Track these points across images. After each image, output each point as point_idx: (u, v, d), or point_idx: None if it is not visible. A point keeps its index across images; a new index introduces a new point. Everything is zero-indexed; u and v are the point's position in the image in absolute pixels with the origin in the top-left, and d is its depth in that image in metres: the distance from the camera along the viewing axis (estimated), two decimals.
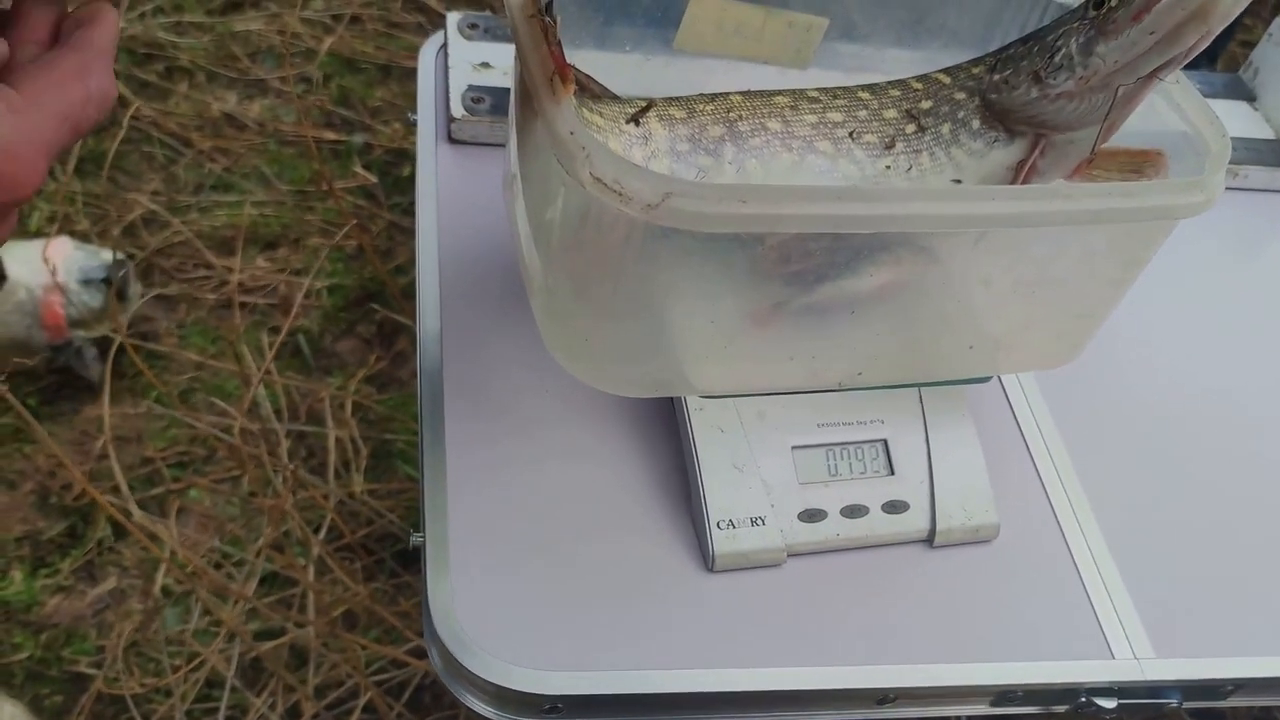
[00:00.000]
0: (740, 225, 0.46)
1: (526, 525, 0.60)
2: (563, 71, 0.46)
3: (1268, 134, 0.92)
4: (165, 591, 1.28)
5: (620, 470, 0.63)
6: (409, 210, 1.64)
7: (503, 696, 0.55)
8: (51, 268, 1.35)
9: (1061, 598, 0.63)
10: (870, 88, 0.58)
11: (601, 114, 0.54)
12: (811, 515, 0.61)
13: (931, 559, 0.63)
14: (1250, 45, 0.99)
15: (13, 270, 1.35)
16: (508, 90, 0.77)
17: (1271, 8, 1.82)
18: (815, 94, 0.57)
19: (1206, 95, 0.57)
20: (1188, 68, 0.53)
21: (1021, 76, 0.54)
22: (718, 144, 0.54)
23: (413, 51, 1.76)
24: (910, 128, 0.56)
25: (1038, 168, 0.55)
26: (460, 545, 0.59)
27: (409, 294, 1.26)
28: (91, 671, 1.22)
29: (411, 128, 0.81)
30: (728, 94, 0.56)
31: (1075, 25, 0.51)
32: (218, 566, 1.29)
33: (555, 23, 0.48)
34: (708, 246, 0.49)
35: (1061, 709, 0.61)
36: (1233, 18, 0.46)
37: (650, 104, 0.55)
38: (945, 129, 0.56)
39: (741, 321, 0.54)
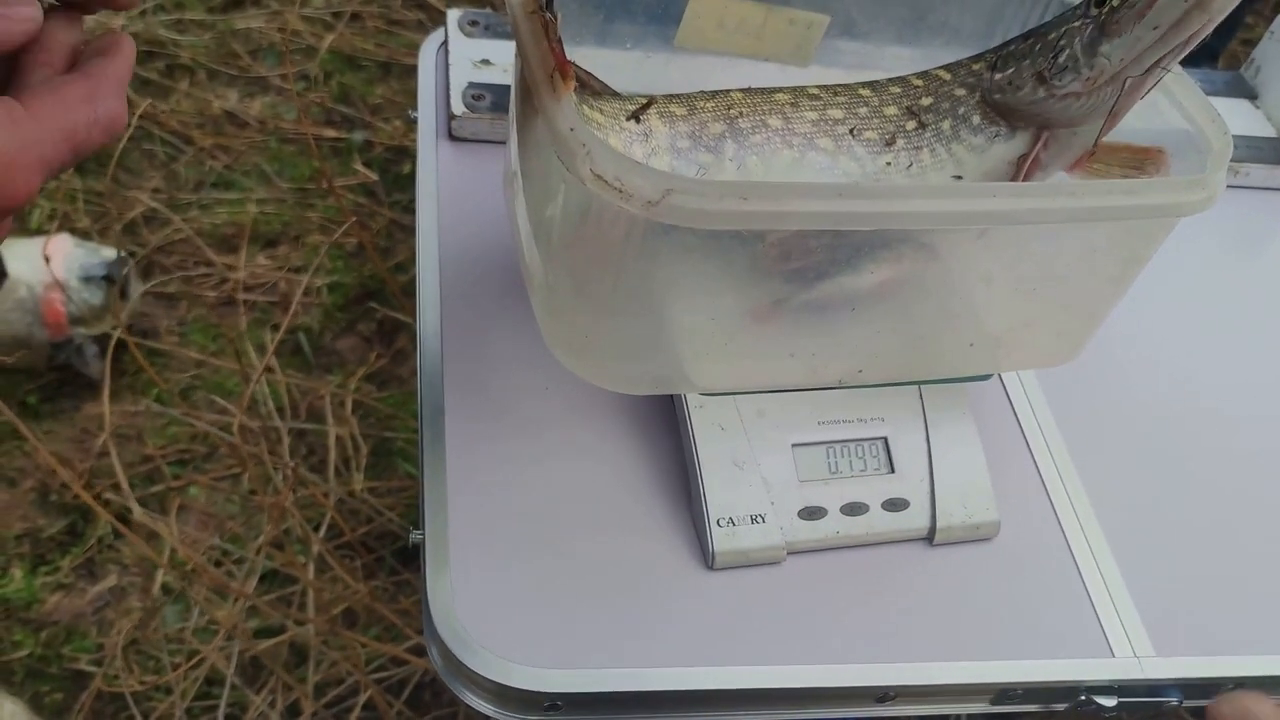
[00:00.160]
0: (741, 222, 0.46)
1: (526, 523, 0.60)
2: (563, 68, 0.46)
3: (1269, 132, 0.92)
4: (165, 589, 1.28)
5: (620, 468, 0.63)
6: (409, 208, 1.64)
7: (503, 694, 0.55)
8: (47, 261, 1.35)
9: (1061, 596, 0.63)
10: (871, 85, 0.57)
11: (602, 111, 0.54)
12: (812, 513, 0.61)
13: (932, 557, 0.63)
14: (1252, 43, 0.99)
15: (13, 268, 1.35)
16: (508, 87, 0.77)
17: (1273, 6, 1.82)
18: (816, 91, 0.57)
19: (1208, 93, 0.56)
20: (1190, 65, 0.53)
21: (1025, 77, 0.53)
22: (718, 141, 0.54)
23: (413, 49, 1.76)
24: (911, 124, 0.56)
25: (1040, 161, 0.55)
26: (460, 543, 0.59)
27: (409, 291, 1.26)
28: (91, 669, 1.22)
29: (412, 125, 0.81)
30: (728, 91, 0.56)
31: (1077, 24, 0.51)
32: (218, 564, 1.30)
33: (556, 19, 0.48)
34: (708, 243, 0.49)
35: (1061, 707, 0.61)
36: (1233, 5, 0.46)
37: (651, 101, 0.55)
38: (946, 125, 0.56)
39: (742, 318, 0.54)
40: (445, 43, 0.82)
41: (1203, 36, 0.48)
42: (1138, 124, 0.56)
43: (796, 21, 0.65)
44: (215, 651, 1.20)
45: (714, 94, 0.56)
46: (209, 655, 1.20)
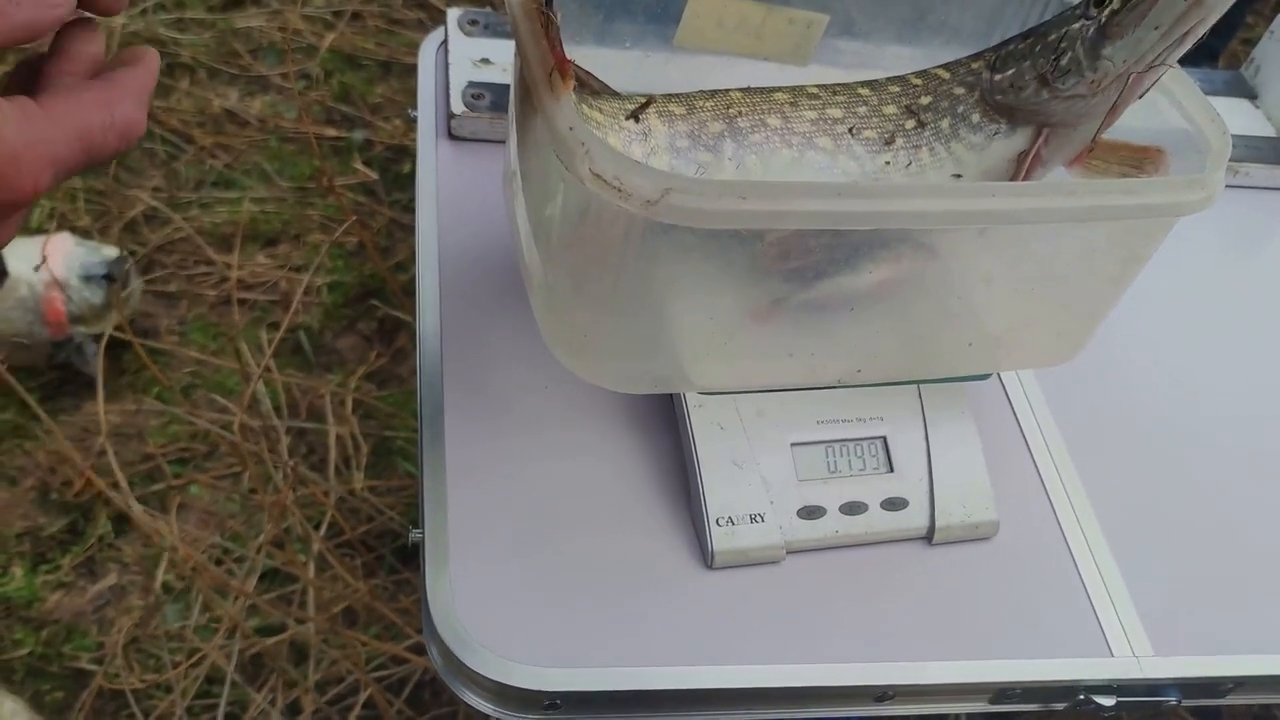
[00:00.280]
0: (740, 222, 0.46)
1: (526, 522, 0.60)
2: (562, 68, 0.46)
3: (1269, 131, 0.92)
4: (166, 588, 1.28)
5: (619, 467, 0.63)
6: (409, 207, 1.64)
7: (502, 693, 0.55)
8: (46, 260, 1.35)
9: (1061, 595, 0.63)
10: (870, 84, 0.57)
11: (601, 110, 0.54)
12: (811, 512, 0.61)
13: (931, 556, 0.63)
14: (1251, 43, 0.99)
15: (14, 266, 1.35)
16: (508, 87, 0.77)
17: (1273, 5, 1.82)
18: (815, 90, 0.57)
19: (1208, 92, 0.56)
20: (1190, 65, 0.53)
21: (1028, 79, 0.53)
22: (717, 140, 0.54)
23: (413, 48, 1.76)
24: (910, 123, 0.56)
25: (1041, 157, 0.55)
26: (460, 542, 0.59)
27: (409, 290, 1.26)
28: (92, 667, 1.22)
29: (412, 124, 0.81)
30: (727, 90, 0.56)
31: (1077, 26, 0.51)
32: (218, 563, 1.30)
33: (555, 19, 0.48)
34: (707, 243, 0.49)
35: (1060, 707, 0.61)
36: (1230, 1, 0.46)
37: (650, 100, 0.55)
38: (945, 124, 0.56)
39: (741, 318, 0.54)
40: (445, 42, 0.82)
41: (1202, 32, 0.48)
42: (1137, 123, 0.56)
43: (796, 21, 0.65)
44: (216, 650, 1.20)
45: (713, 93, 0.56)
46: (209, 653, 1.20)
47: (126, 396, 1.43)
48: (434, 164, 0.76)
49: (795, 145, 0.55)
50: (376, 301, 1.57)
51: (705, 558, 0.60)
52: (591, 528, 0.61)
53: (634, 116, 0.54)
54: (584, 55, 0.54)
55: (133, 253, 1.52)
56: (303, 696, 1.19)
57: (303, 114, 1.74)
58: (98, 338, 1.41)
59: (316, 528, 1.30)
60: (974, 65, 0.57)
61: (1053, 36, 0.52)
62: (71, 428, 1.40)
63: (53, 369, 1.43)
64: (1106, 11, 0.49)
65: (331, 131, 1.75)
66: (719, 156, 0.54)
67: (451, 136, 0.78)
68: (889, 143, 0.56)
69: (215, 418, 1.38)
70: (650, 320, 0.54)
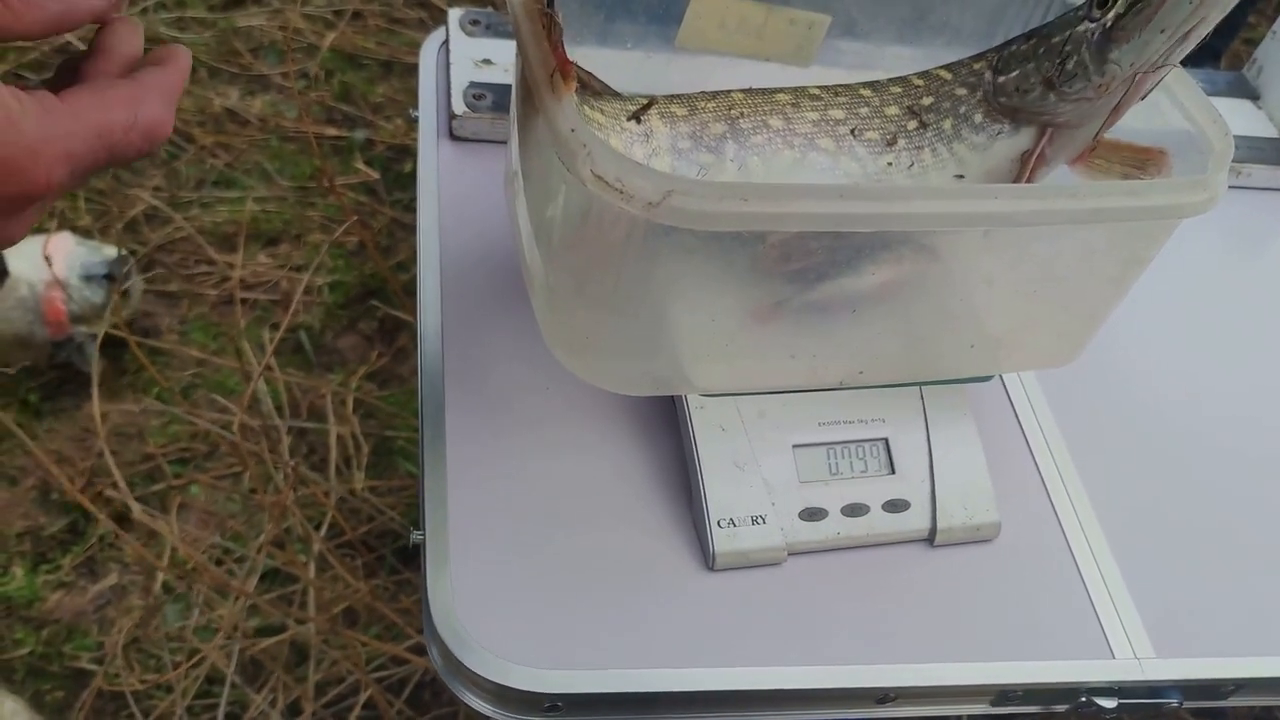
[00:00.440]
0: (741, 223, 0.46)
1: (527, 523, 0.60)
2: (564, 68, 0.46)
3: (1271, 132, 0.92)
4: (166, 588, 1.28)
5: (620, 468, 0.63)
6: (410, 207, 1.64)
7: (502, 695, 0.55)
8: (48, 259, 1.35)
9: (1062, 597, 0.63)
10: (872, 85, 0.57)
11: (603, 111, 0.54)
12: (812, 514, 0.61)
13: (932, 558, 0.63)
14: (1254, 43, 0.99)
15: (14, 266, 1.35)
16: (509, 87, 0.77)
17: (1275, 6, 1.82)
18: (817, 91, 0.57)
19: (1210, 93, 0.56)
20: (1192, 66, 0.52)
21: (1033, 82, 0.53)
22: (719, 141, 0.54)
23: (414, 48, 1.76)
24: (912, 124, 0.56)
25: (1045, 156, 0.55)
26: (460, 543, 0.58)
27: (410, 290, 1.26)
28: (92, 667, 1.22)
29: (413, 124, 0.80)
30: (729, 91, 0.56)
31: (1082, 29, 0.51)
32: (219, 563, 1.30)
33: (557, 19, 0.48)
34: (709, 244, 0.49)
35: (1062, 708, 0.61)
36: (1234, 2, 0.46)
37: (652, 101, 0.55)
38: (947, 125, 0.56)
39: (742, 319, 0.54)
40: (446, 42, 0.82)
41: (1205, 31, 0.48)
42: (1139, 124, 0.56)
43: (797, 21, 0.65)
44: (216, 650, 1.20)
45: (715, 94, 0.56)
46: (209, 654, 1.20)
47: (127, 396, 1.43)
48: (435, 164, 0.76)
49: (797, 146, 0.55)
50: (377, 301, 1.57)
51: (706, 559, 0.60)
52: (592, 529, 0.61)
53: (636, 118, 0.54)
54: (585, 56, 0.54)
55: (133, 252, 1.52)
56: (303, 697, 1.19)
57: (303, 113, 1.74)
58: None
59: (317, 528, 1.30)
60: (976, 66, 0.57)
61: (1057, 39, 0.52)
62: (72, 427, 1.40)
63: (53, 369, 1.43)
64: (1111, 14, 0.49)
65: (332, 131, 1.74)
66: (721, 158, 0.54)
67: (453, 137, 0.78)
68: (891, 144, 0.56)
69: (216, 417, 1.38)
70: (651, 321, 0.54)
